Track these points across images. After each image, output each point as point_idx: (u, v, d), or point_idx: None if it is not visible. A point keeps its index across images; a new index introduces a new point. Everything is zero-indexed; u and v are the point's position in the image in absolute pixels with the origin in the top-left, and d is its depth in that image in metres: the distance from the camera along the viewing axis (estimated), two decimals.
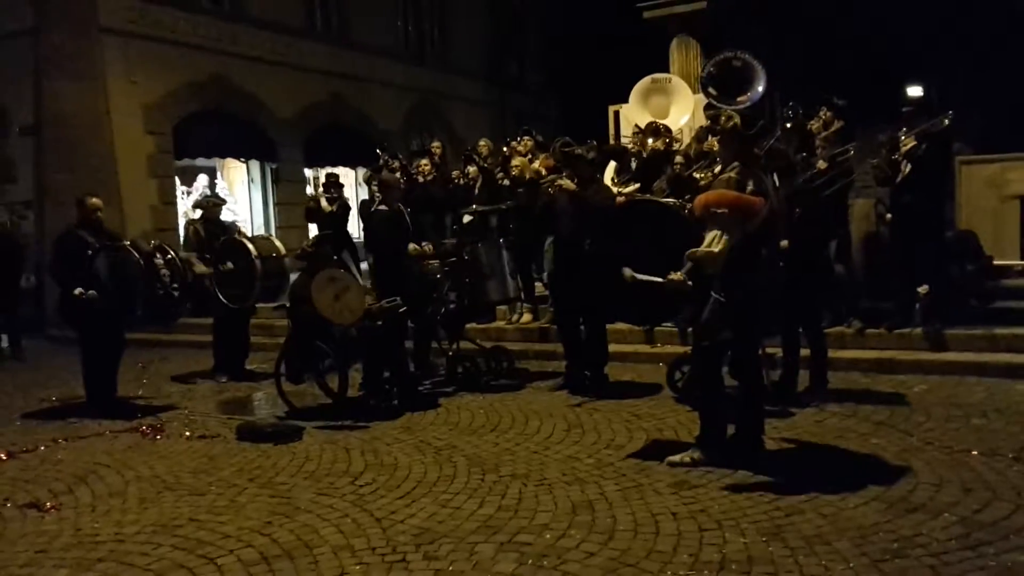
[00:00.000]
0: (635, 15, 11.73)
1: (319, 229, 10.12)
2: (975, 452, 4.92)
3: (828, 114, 7.69)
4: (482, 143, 10.86)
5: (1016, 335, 7.28)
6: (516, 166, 9.28)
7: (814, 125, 7.38)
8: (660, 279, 4.92)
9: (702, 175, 6.44)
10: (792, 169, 6.24)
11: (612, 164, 8.89)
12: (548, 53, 25.30)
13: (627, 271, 5.06)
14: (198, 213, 8.84)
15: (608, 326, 8.46)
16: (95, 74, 13.16)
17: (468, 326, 8.26)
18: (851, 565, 3.55)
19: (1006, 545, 3.67)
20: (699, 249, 4.67)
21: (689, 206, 5.11)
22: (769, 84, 8.21)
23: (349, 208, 10.81)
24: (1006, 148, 10.10)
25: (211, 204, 8.96)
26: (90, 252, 6.92)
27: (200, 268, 8.01)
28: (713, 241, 4.64)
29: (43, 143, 13.13)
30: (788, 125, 6.65)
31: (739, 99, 7.86)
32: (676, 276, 4.85)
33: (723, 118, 5.23)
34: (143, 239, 8.64)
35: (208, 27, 14.99)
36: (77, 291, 6.77)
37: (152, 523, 4.50)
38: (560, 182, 7.07)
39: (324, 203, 10.49)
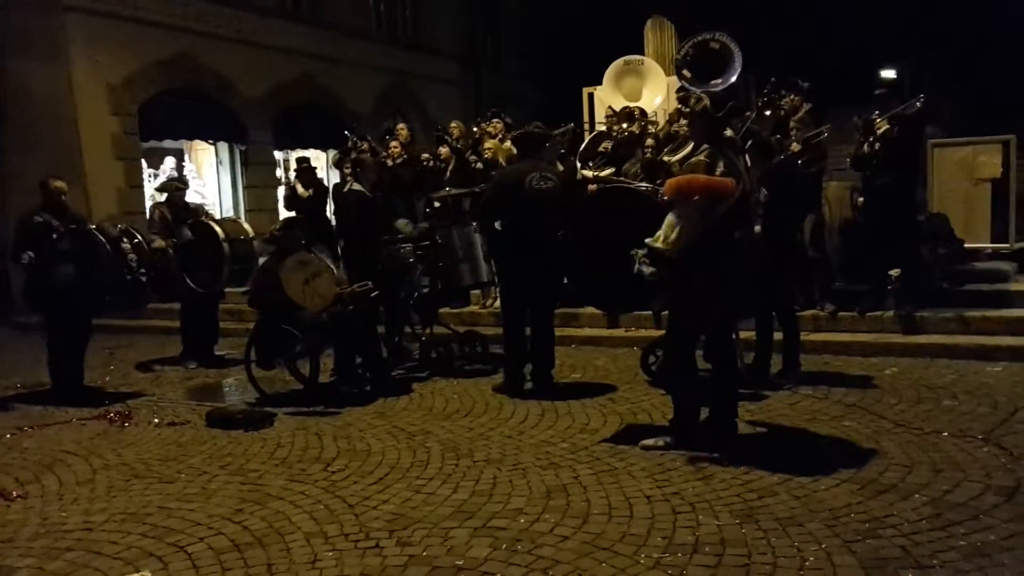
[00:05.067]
0: None
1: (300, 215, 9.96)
2: (945, 433, 4.97)
3: (796, 98, 7.67)
4: (453, 125, 10.76)
5: (986, 317, 7.37)
6: (488, 148, 9.22)
7: (783, 108, 7.38)
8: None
9: (670, 158, 6.42)
10: (768, 151, 6.24)
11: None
12: (525, 34, 25.12)
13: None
14: (163, 196, 8.68)
15: (580, 311, 8.46)
16: (58, 53, 12.81)
17: (441, 310, 8.21)
18: (823, 546, 3.57)
19: (976, 525, 3.71)
20: (658, 243, 4.64)
21: (661, 190, 5.09)
22: (744, 67, 8.19)
23: (327, 190, 10.67)
24: (978, 132, 10.19)
25: (174, 187, 8.77)
26: (54, 236, 6.77)
27: (159, 243, 7.76)
28: (672, 232, 4.61)
29: (5, 124, 12.82)
30: (762, 107, 6.65)
31: (712, 82, 7.83)
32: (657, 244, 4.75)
33: (692, 100, 5.17)
34: (109, 223, 8.44)
35: (174, 5, 14.63)
36: (24, 256, 6.63)
37: (121, 511, 4.43)
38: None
39: (300, 188, 10.36)
